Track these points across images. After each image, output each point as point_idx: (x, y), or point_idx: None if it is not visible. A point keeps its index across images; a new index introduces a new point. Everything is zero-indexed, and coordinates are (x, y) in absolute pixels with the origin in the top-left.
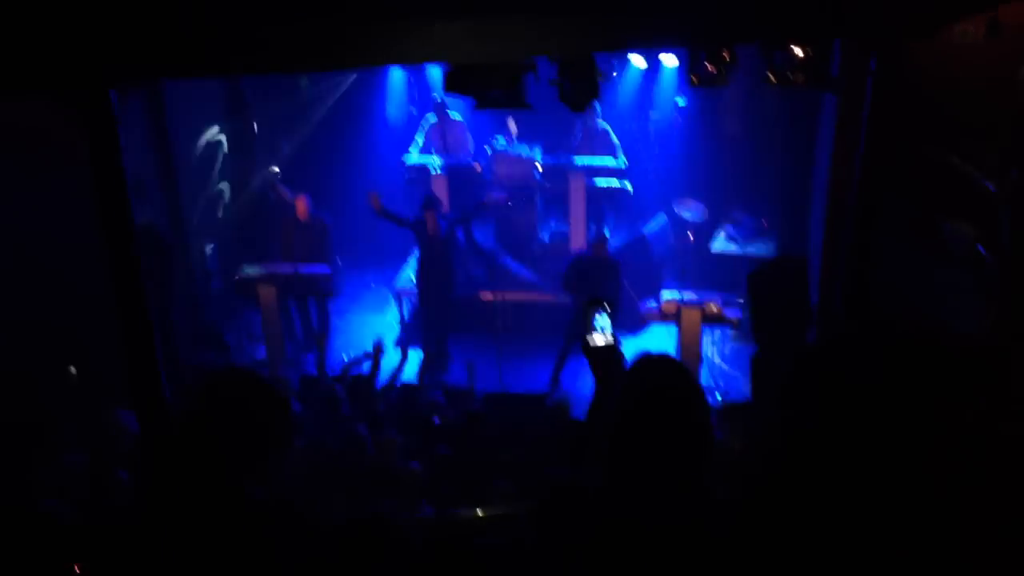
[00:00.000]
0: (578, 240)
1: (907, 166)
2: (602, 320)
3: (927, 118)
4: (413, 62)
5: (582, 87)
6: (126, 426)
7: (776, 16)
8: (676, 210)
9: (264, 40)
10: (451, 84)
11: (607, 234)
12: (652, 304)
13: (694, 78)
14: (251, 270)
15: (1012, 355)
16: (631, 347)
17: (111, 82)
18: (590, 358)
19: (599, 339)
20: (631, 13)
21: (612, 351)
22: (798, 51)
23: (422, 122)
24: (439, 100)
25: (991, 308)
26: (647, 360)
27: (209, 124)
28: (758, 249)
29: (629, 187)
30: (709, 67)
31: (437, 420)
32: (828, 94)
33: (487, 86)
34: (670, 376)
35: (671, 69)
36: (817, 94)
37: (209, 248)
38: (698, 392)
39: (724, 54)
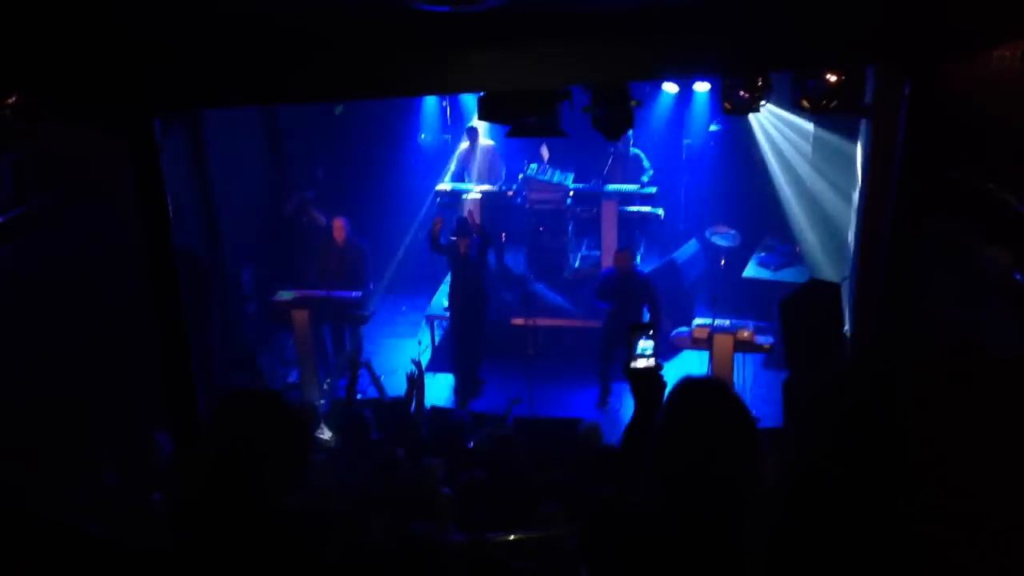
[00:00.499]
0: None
1: (943, 192)
2: (645, 343)
3: (963, 144)
4: (449, 92)
5: (616, 115)
6: (162, 448)
7: (811, 42)
8: (708, 236)
9: (302, 70)
10: (485, 111)
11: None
12: (684, 331)
13: (727, 105)
14: (285, 294)
15: None
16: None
17: (155, 110)
18: (632, 381)
19: (642, 362)
20: (665, 41)
21: (654, 374)
22: (831, 77)
23: (456, 148)
24: (472, 126)
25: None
26: (691, 381)
27: (246, 149)
28: (790, 275)
29: (661, 213)
30: (742, 93)
31: (471, 444)
32: (862, 119)
33: (522, 114)
34: (715, 396)
35: (703, 94)
36: (851, 119)
37: (245, 272)
38: (743, 410)
39: (758, 80)
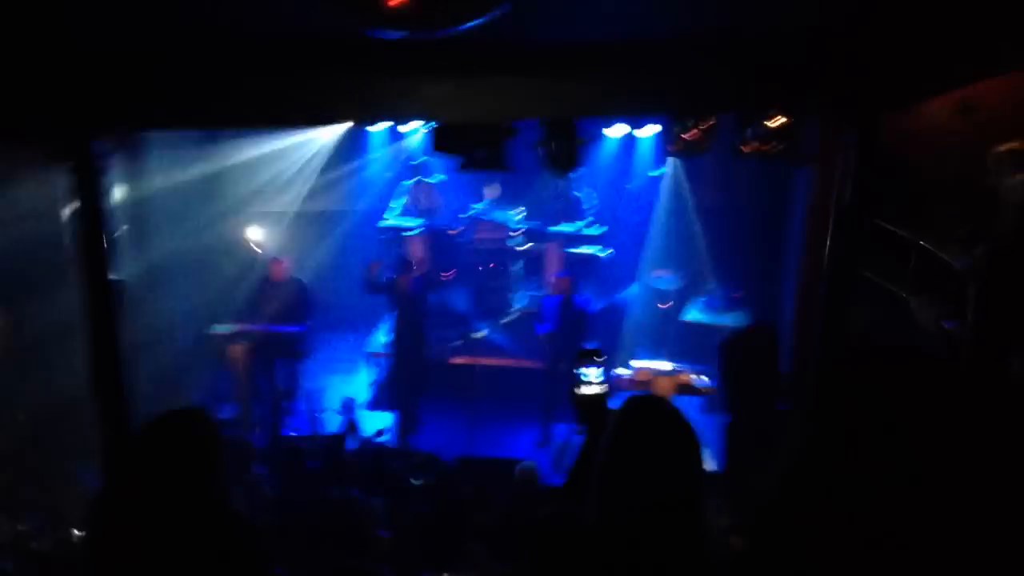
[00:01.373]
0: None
1: (879, 240)
2: (589, 370)
3: (899, 193)
4: (400, 120)
5: (565, 153)
6: (85, 484)
7: (761, 86)
8: (650, 279)
9: (251, 95)
10: (439, 142)
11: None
12: (625, 372)
13: (673, 146)
14: (221, 328)
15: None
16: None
17: (96, 132)
18: (579, 408)
19: (586, 389)
20: (617, 80)
21: (602, 400)
22: (775, 123)
23: (400, 185)
24: (417, 163)
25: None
26: (635, 399)
27: (185, 180)
28: (730, 319)
29: (605, 255)
30: (691, 135)
31: (412, 481)
32: (800, 167)
33: (471, 147)
34: (659, 411)
35: (646, 140)
36: (789, 167)
37: (180, 306)
38: (686, 427)
39: (705, 123)
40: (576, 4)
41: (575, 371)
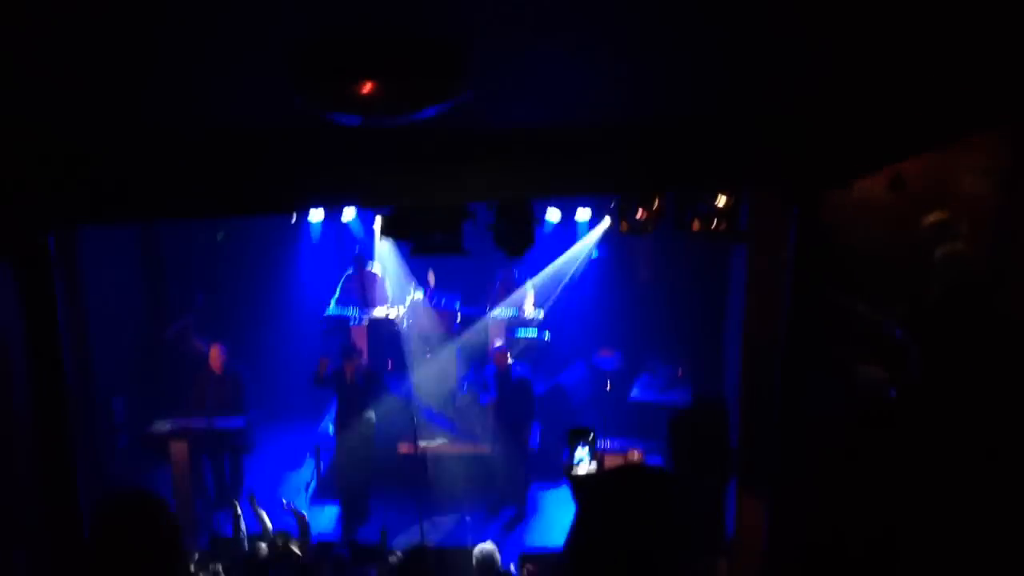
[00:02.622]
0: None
1: (821, 312)
2: (582, 451)
3: (838, 266)
4: (361, 206)
5: (518, 232)
6: None
7: (703, 167)
8: (594, 360)
9: (204, 185)
10: (389, 228)
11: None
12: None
13: (624, 225)
14: (162, 425)
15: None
16: (554, 496)
17: (52, 225)
18: (574, 486)
19: (582, 468)
20: (568, 161)
21: (596, 479)
22: (722, 200)
23: (343, 275)
24: (358, 254)
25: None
26: (610, 472)
27: (122, 275)
28: (674, 397)
29: (547, 337)
30: (639, 215)
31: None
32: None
33: (427, 231)
34: (631, 478)
35: (584, 223)
36: (729, 244)
37: (117, 401)
38: (658, 488)
39: (654, 202)
40: (533, 91)
41: (570, 452)
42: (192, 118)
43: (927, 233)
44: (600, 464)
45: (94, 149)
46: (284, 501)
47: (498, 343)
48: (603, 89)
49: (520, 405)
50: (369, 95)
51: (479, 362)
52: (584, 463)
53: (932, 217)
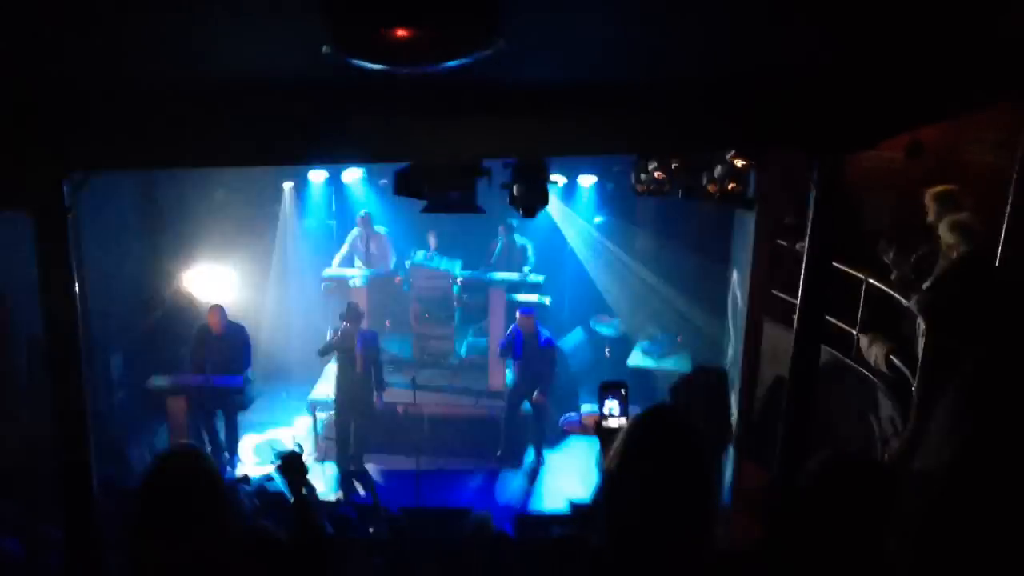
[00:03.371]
0: (495, 354)
1: (829, 279)
2: (612, 403)
3: (849, 234)
4: (378, 160)
5: (533, 192)
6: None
7: (725, 128)
8: (593, 325)
9: (225, 134)
10: (403, 186)
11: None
12: (573, 416)
13: (640, 187)
14: (160, 381)
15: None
16: (553, 460)
17: (67, 172)
18: (603, 441)
19: (613, 422)
20: (588, 120)
21: None
22: (739, 162)
23: (342, 233)
24: (365, 212)
25: (904, 419)
26: (644, 413)
27: (121, 232)
28: (673, 364)
29: (547, 302)
30: (656, 175)
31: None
32: (747, 209)
33: (444, 188)
34: (667, 424)
35: (588, 188)
36: (728, 210)
37: (115, 358)
38: (696, 439)
39: (672, 163)
40: (562, 46)
41: (600, 405)
42: (213, 65)
43: (932, 205)
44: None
45: (112, 95)
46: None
47: (499, 314)
48: (630, 47)
49: (543, 369)
50: (402, 41)
51: (478, 325)
52: (615, 417)
53: (936, 189)
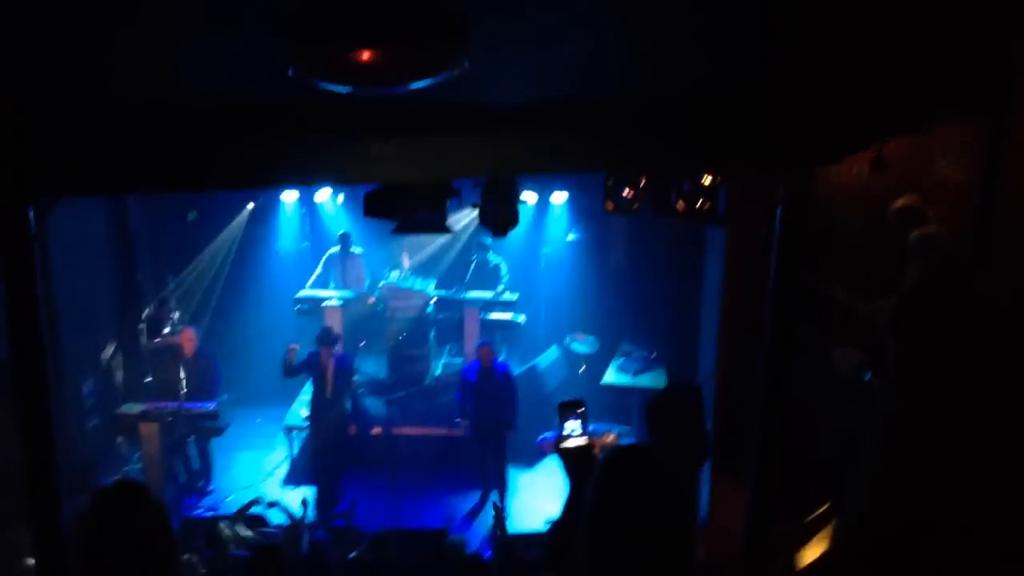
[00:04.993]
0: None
1: (798, 293)
2: (573, 423)
3: (815, 248)
4: (346, 183)
5: (504, 211)
6: None
7: (693, 144)
8: (568, 343)
9: (193, 158)
10: (373, 206)
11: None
12: (549, 435)
13: (609, 204)
14: (132, 406)
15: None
16: (529, 480)
17: (32, 197)
18: (564, 460)
19: (572, 442)
20: (556, 138)
21: (586, 453)
22: (707, 179)
23: (316, 255)
24: (345, 232)
25: (879, 432)
26: (621, 450)
27: (91, 254)
28: (648, 380)
29: (522, 320)
30: (625, 193)
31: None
32: (717, 225)
33: (413, 208)
34: (647, 462)
35: (561, 205)
36: (701, 226)
37: (86, 384)
38: (675, 478)
39: (640, 181)
40: (528, 65)
41: (559, 425)
42: (179, 87)
43: (896, 218)
44: (590, 438)
45: (77, 118)
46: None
47: (474, 334)
48: (596, 65)
49: (503, 401)
50: (367, 63)
51: (453, 344)
52: (575, 436)
53: (900, 202)
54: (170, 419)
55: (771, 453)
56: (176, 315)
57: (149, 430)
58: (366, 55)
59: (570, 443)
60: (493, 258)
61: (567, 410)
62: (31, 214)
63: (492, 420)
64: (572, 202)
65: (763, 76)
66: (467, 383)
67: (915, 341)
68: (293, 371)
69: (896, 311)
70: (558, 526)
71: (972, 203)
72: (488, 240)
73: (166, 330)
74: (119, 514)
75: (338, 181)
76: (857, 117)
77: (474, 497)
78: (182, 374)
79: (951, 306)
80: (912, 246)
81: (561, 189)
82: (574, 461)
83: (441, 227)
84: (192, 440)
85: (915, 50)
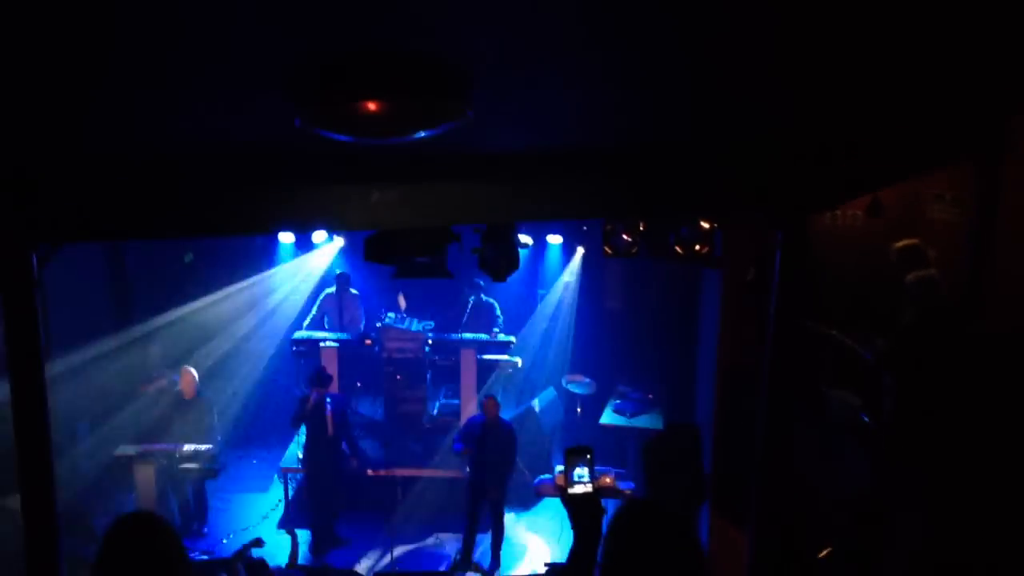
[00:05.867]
0: (468, 414)
1: (796, 337)
2: (581, 470)
3: (812, 291)
4: (347, 228)
5: (504, 256)
6: None
7: (694, 191)
8: (564, 384)
9: (195, 203)
10: (374, 251)
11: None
12: (547, 478)
13: (608, 249)
14: (128, 448)
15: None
16: (526, 522)
17: (35, 243)
18: (570, 508)
19: (579, 488)
20: (557, 184)
21: (593, 500)
22: (705, 224)
23: (320, 296)
24: (342, 273)
25: (875, 473)
26: (634, 504)
27: (88, 297)
28: (645, 421)
29: (519, 361)
30: (624, 237)
31: None
32: (715, 268)
33: (412, 253)
34: (660, 518)
35: (556, 247)
36: (696, 269)
37: (82, 426)
38: (687, 532)
39: (639, 225)
40: (529, 116)
41: (567, 470)
42: (180, 135)
43: (897, 259)
44: (597, 485)
45: (78, 165)
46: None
47: (471, 375)
48: (596, 115)
49: (505, 454)
50: (371, 114)
51: (449, 386)
52: (582, 483)
53: (901, 243)
54: (166, 461)
55: (772, 496)
56: (159, 356)
57: (145, 472)
58: (372, 106)
59: (577, 489)
60: (487, 299)
61: (575, 456)
62: (34, 260)
63: (492, 472)
64: (568, 244)
65: (762, 127)
66: (471, 436)
67: (912, 382)
68: (299, 421)
69: (893, 353)
70: (564, 574)
71: (965, 246)
72: (481, 281)
73: (154, 373)
74: (137, 541)
75: (339, 227)
76: (853, 164)
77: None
78: (179, 415)
79: (947, 347)
80: (909, 288)
81: (558, 232)
82: (580, 508)
83: (442, 272)
84: (188, 482)
85: (910, 99)
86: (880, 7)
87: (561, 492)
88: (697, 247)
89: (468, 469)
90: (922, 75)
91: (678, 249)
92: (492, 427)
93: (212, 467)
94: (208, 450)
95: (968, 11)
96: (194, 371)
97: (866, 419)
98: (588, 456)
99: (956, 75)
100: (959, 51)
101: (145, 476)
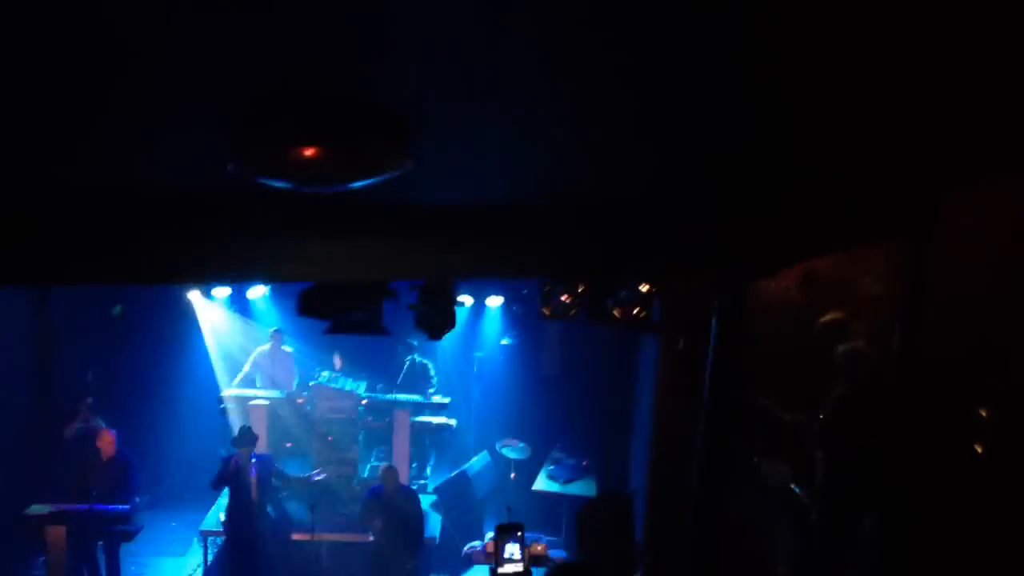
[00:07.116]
0: (402, 476)
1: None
2: (512, 547)
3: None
4: (282, 280)
5: (441, 314)
6: None
7: (632, 255)
8: (499, 448)
9: (131, 249)
10: (308, 305)
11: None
12: (477, 544)
13: (546, 310)
14: (39, 508)
15: None
16: None
17: None
18: None
19: (510, 568)
20: (497, 243)
21: None
22: (644, 288)
23: (255, 352)
24: (277, 329)
25: (804, 544)
26: (561, 567)
27: (7, 349)
28: (579, 488)
29: (453, 424)
30: (563, 299)
31: None
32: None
33: (348, 308)
34: None
35: (495, 309)
36: (635, 334)
37: None
38: None
39: (578, 287)
40: (472, 168)
41: (498, 548)
42: (112, 179)
43: (822, 332)
44: (528, 562)
45: (4, 207)
46: None
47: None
48: (538, 171)
49: (408, 523)
50: (311, 159)
51: (380, 448)
52: (513, 560)
53: (826, 317)
54: (79, 521)
55: (705, 566)
56: (90, 406)
57: (56, 533)
58: (310, 152)
59: (507, 569)
60: (420, 359)
61: (505, 534)
62: None
63: (400, 542)
64: (507, 306)
65: (702, 192)
66: (374, 505)
67: (842, 454)
68: (221, 483)
69: (823, 424)
70: None
71: (895, 318)
72: (415, 341)
73: (79, 424)
74: None
75: (273, 279)
76: (788, 235)
77: None
78: (95, 475)
79: (875, 419)
80: (839, 360)
81: (497, 293)
82: None
83: (377, 328)
84: (100, 545)
85: (845, 175)
86: (815, 82)
87: (492, 572)
88: (635, 310)
89: (372, 538)
90: (857, 151)
91: (616, 312)
92: (392, 496)
93: (128, 528)
94: (124, 511)
95: (899, 90)
96: (112, 432)
97: (797, 490)
98: (519, 533)
99: (890, 151)
100: (892, 129)
101: (56, 538)
